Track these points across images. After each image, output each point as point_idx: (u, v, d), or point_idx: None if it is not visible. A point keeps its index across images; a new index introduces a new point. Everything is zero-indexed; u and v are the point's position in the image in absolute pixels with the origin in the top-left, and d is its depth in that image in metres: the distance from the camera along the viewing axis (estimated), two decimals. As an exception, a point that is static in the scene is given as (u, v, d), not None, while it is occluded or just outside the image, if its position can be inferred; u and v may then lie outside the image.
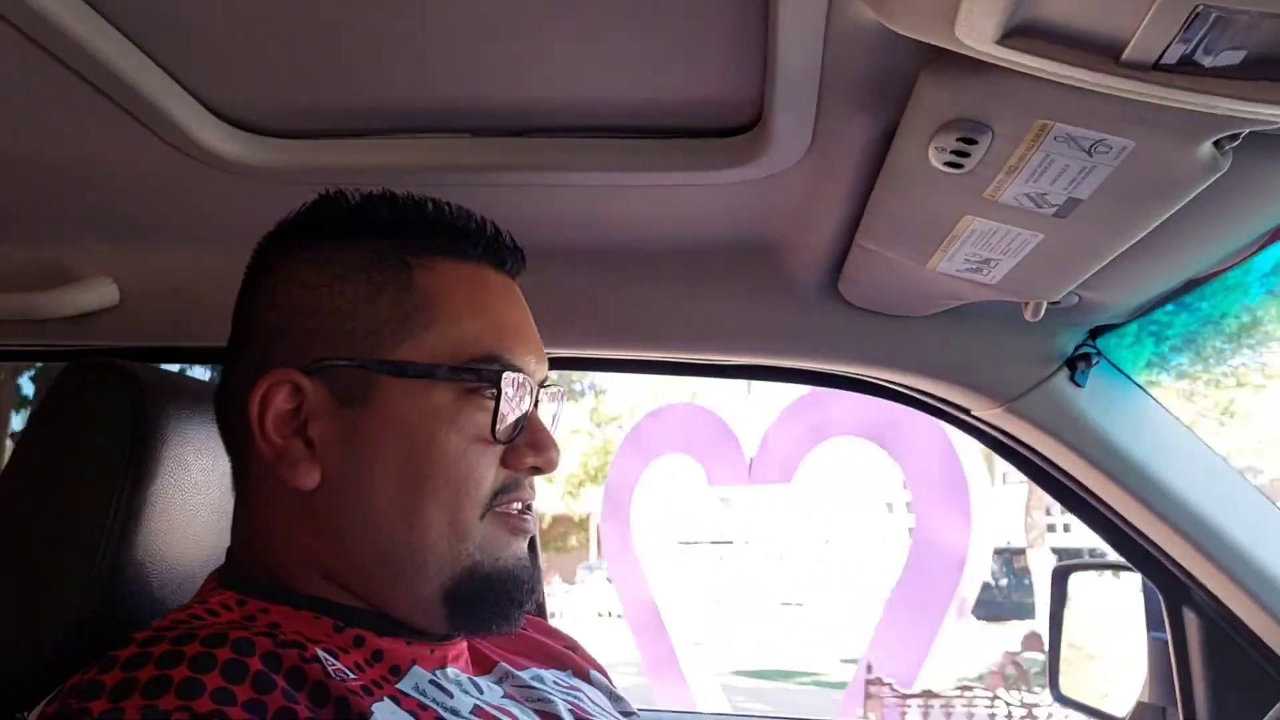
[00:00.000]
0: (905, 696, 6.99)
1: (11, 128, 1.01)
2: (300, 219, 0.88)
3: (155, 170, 1.06)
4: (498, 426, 0.80)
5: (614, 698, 1.00)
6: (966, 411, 1.35)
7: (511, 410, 0.82)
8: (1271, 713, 1.21)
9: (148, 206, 1.19)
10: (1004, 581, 14.22)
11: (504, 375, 0.80)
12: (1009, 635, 12.28)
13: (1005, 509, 15.45)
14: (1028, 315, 1.12)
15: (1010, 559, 14.28)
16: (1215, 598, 1.27)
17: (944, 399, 1.36)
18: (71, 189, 1.15)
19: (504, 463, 0.82)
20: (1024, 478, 1.39)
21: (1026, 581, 13.93)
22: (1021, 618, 13.27)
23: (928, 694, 6.98)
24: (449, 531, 0.79)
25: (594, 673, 1.01)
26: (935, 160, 0.83)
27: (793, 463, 8.72)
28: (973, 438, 1.40)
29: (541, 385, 0.87)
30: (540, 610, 1.60)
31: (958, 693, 6.96)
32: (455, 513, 0.79)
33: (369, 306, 0.82)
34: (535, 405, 0.85)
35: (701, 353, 1.36)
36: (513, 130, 1.01)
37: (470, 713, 0.78)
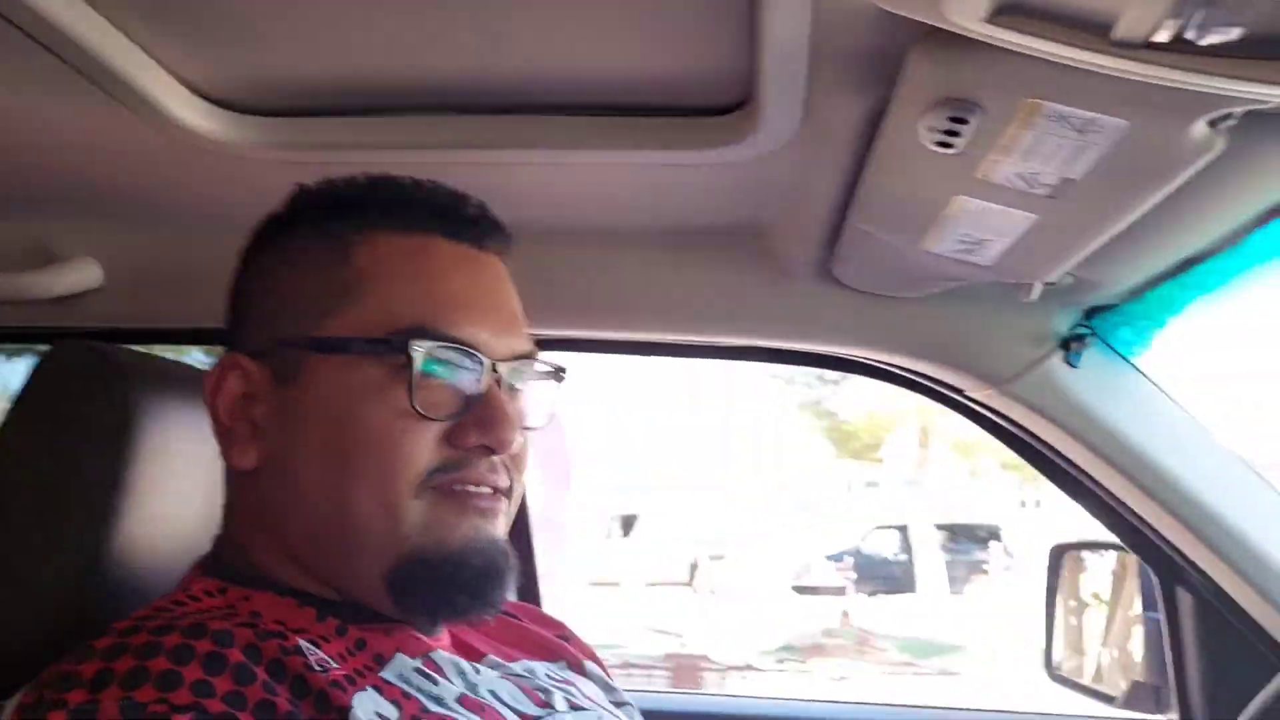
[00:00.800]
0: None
1: None
2: (277, 210, 0.88)
3: (135, 149, 1.05)
4: (415, 399, 0.76)
5: (607, 688, 0.98)
6: (960, 393, 1.34)
7: (440, 383, 0.78)
8: (1265, 691, 1.20)
9: (129, 186, 1.18)
10: (903, 557, 14.47)
11: (415, 344, 0.76)
12: (901, 606, 12.74)
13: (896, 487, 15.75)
14: (1022, 296, 1.11)
15: (906, 535, 14.57)
16: (1209, 578, 1.27)
17: (938, 380, 1.34)
18: (52, 168, 1.14)
19: (451, 440, 0.78)
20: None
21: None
22: (912, 591, 13.67)
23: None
24: (380, 512, 0.76)
25: (588, 663, 0.99)
26: (926, 140, 0.82)
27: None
28: (967, 419, 1.39)
29: (518, 360, 0.83)
30: (533, 596, 1.60)
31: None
32: (384, 492, 0.76)
33: (305, 286, 0.81)
34: (497, 381, 0.80)
35: (694, 335, 1.35)
36: (496, 108, 0.99)
37: (455, 701, 0.76)
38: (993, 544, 14.33)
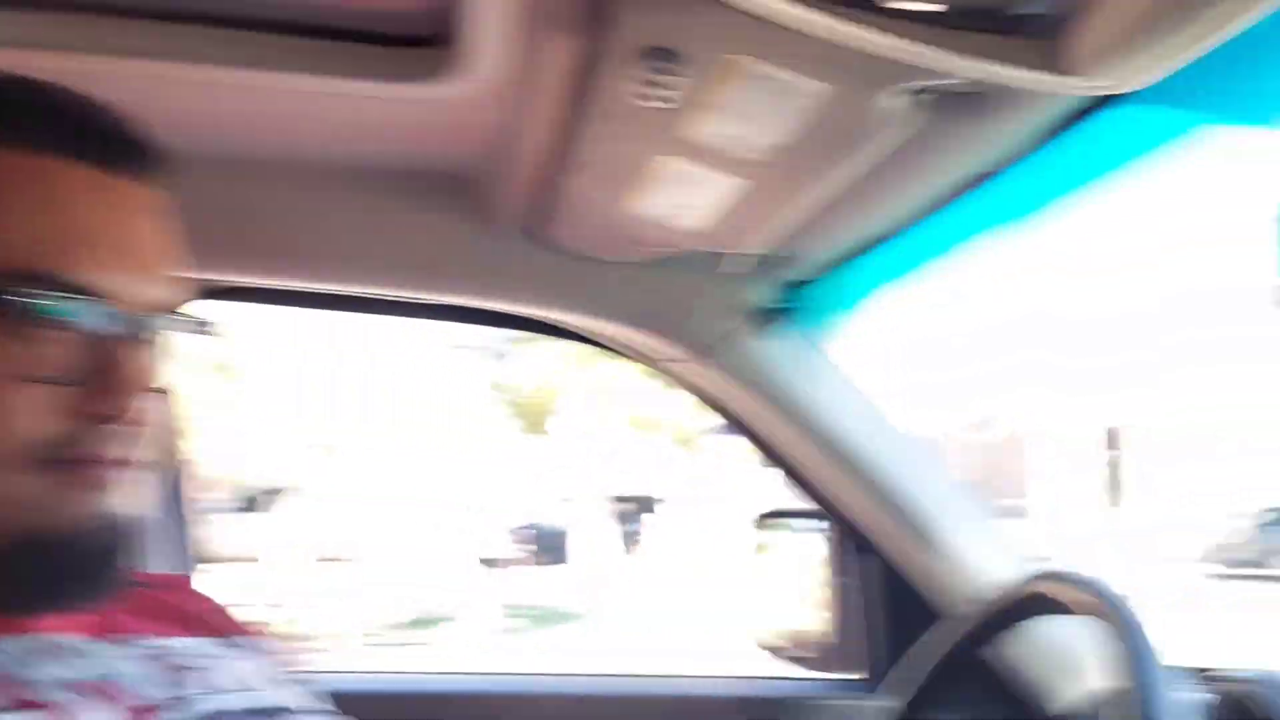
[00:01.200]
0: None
1: None
2: None
3: None
4: (18, 359, 0.64)
5: (269, 665, 0.89)
6: (665, 360, 1.34)
7: (52, 338, 0.66)
8: (919, 640, 1.27)
9: None
10: (572, 528, 15.46)
11: (21, 291, 0.64)
12: (560, 575, 13.99)
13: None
14: (724, 266, 1.11)
15: (577, 506, 15.58)
16: (889, 544, 1.34)
17: (642, 348, 1.33)
18: None
19: (64, 407, 0.66)
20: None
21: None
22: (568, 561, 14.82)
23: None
24: None
25: (245, 638, 0.90)
26: (634, 93, 0.80)
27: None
28: (675, 384, 1.39)
29: (154, 310, 0.71)
30: (185, 568, 1.47)
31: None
32: None
33: None
34: (125, 335, 0.68)
35: (383, 288, 1.26)
36: (159, 13, 0.87)
37: (62, 685, 0.67)
38: (646, 516, 15.25)
